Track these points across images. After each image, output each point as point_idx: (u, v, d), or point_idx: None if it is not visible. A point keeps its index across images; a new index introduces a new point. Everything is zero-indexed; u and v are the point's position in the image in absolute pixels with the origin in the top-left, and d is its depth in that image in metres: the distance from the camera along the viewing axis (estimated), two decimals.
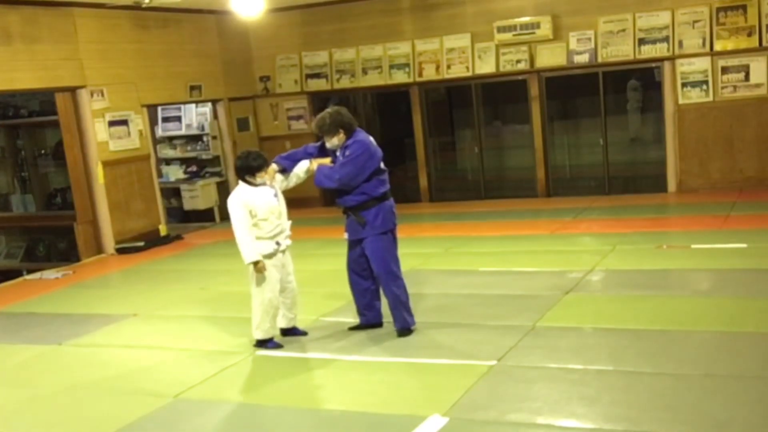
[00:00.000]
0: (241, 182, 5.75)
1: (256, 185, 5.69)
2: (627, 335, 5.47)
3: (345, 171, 5.64)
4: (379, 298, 6.03)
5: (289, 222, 5.90)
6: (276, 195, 5.77)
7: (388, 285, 5.79)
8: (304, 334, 6.03)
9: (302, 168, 5.88)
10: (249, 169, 5.68)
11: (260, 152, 5.82)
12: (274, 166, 5.83)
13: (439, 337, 5.69)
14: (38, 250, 11.33)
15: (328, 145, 5.81)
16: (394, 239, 5.91)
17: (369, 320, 6.04)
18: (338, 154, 5.77)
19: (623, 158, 11.98)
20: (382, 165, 5.80)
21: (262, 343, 5.87)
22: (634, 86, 11.91)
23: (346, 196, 5.74)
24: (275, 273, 5.75)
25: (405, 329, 5.82)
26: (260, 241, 5.66)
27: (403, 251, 8.22)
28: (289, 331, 6.03)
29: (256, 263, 5.61)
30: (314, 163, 5.82)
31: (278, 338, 5.96)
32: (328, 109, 5.82)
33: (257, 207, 5.62)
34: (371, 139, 5.84)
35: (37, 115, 10.91)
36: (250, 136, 12.88)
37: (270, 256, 5.69)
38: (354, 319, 6.21)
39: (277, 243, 5.72)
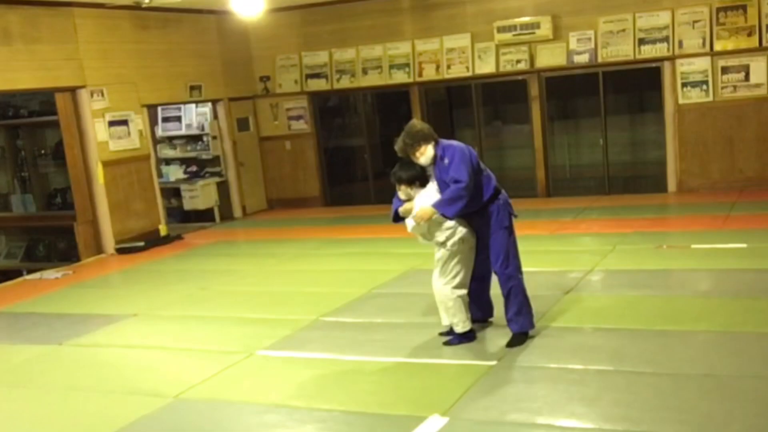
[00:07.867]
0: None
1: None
2: (627, 335, 5.47)
3: (463, 173, 5.19)
4: (486, 294, 5.75)
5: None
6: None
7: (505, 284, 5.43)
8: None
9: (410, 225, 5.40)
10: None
11: (401, 167, 5.40)
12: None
13: (440, 337, 5.67)
14: (38, 250, 11.33)
15: (422, 163, 5.39)
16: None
17: (476, 316, 5.67)
18: (434, 171, 5.41)
19: (623, 158, 11.97)
20: (481, 164, 5.45)
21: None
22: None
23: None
24: None
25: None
26: None
27: (403, 251, 8.31)
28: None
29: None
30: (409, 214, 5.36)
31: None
32: (403, 132, 5.39)
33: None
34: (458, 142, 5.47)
35: (37, 115, 10.90)
36: (250, 136, 12.89)
37: None
38: (351, 319, 6.30)
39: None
